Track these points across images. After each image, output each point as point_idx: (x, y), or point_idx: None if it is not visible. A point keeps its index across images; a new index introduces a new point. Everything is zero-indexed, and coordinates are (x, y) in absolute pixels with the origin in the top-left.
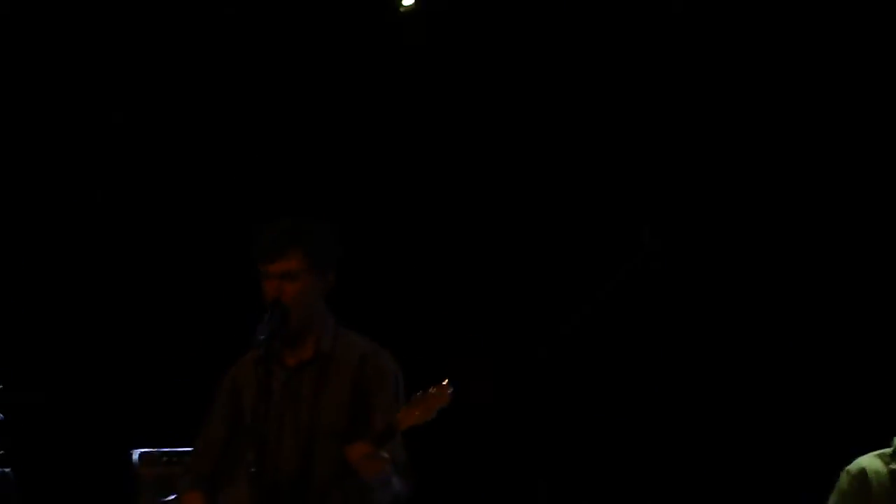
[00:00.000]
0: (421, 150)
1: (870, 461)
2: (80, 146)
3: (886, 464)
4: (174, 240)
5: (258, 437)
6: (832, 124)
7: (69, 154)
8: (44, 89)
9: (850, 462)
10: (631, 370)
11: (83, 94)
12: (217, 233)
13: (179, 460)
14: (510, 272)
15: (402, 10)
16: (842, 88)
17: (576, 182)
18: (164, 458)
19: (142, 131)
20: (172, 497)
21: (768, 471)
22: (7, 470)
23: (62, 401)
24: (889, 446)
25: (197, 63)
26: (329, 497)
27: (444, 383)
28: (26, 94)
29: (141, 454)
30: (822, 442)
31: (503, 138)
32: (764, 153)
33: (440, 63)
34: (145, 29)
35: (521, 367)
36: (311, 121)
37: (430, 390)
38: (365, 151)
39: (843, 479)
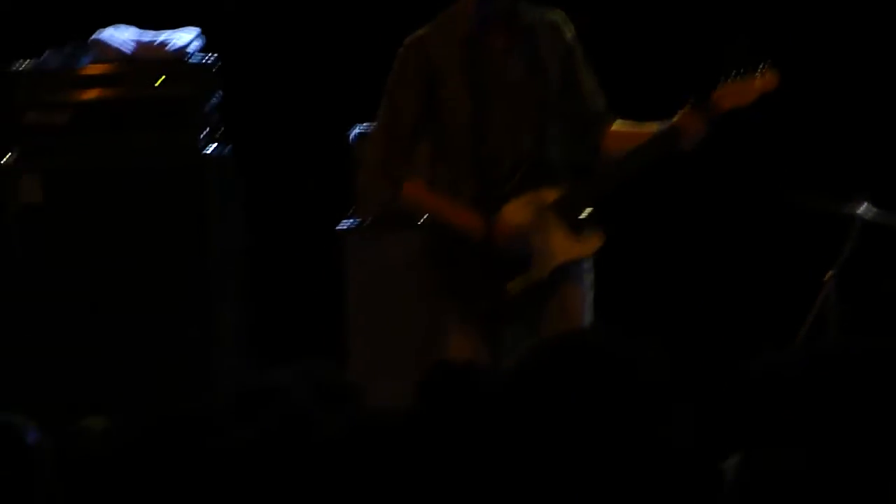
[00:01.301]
0: None
1: None
2: None
3: None
4: None
5: (479, 129)
6: None
7: None
8: None
9: None
10: None
11: None
12: None
13: None
14: None
15: None
16: None
17: None
18: None
19: None
20: None
21: None
22: (226, 149)
23: (282, 78)
24: None
25: None
26: (561, 174)
27: (772, 68)
28: None
29: (358, 132)
30: None
31: None
32: None
33: None
34: None
35: None
36: None
37: (753, 72)
38: None
39: None
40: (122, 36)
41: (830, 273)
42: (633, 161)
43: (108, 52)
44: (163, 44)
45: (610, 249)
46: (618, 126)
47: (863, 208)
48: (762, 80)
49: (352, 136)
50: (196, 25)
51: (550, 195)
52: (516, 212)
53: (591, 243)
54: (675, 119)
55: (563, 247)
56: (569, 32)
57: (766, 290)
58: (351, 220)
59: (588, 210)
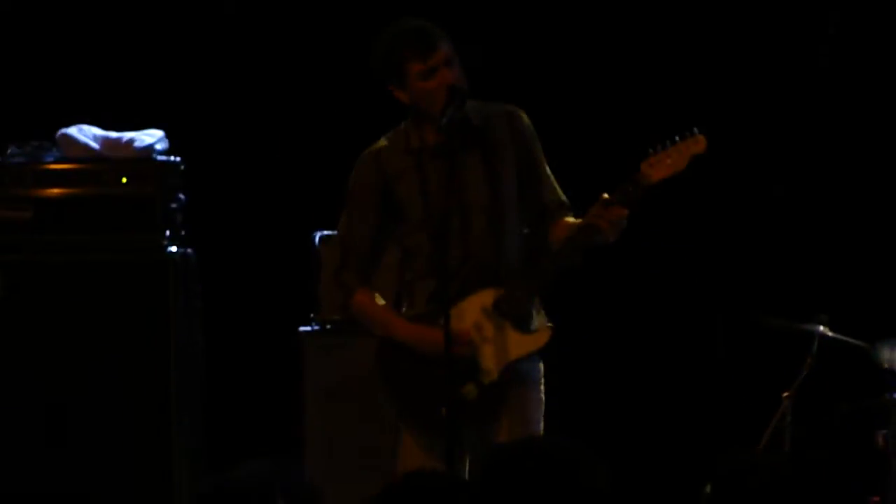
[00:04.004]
0: None
1: None
2: None
3: None
4: None
5: (438, 225)
6: None
7: None
8: None
9: None
10: None
11: None
12: None
13: None
14: None
15: None
16: None
17: None
18: None
19: None
20: None
21: None
22: (189, 250)
23: (245, 182)
24: None
25: None
26: (518, 272)
27: (696, 131)
28: None
29: (322, 236)
30: None
31: None
32: None
33: None
34: None
35: None
36: None
37: (680, 139)
38: None
39: None
40: (88, 132)
41: (787, 392)
42: (562, 255)
43: (76, 148)
44: (130, 141)
45: (566, 351)
46: (570, 219)
47: (821, 328)
48: (692, 145)
49: (316, 239)
50: (160, 128)
51: (492, 295)
52: (460, 316)
53: (539, 338)
54: (590, 212)
55: (510, 345)
56: (526, 121)
57: (724, 406)
58: (312, 324)
59: (533, 304)
